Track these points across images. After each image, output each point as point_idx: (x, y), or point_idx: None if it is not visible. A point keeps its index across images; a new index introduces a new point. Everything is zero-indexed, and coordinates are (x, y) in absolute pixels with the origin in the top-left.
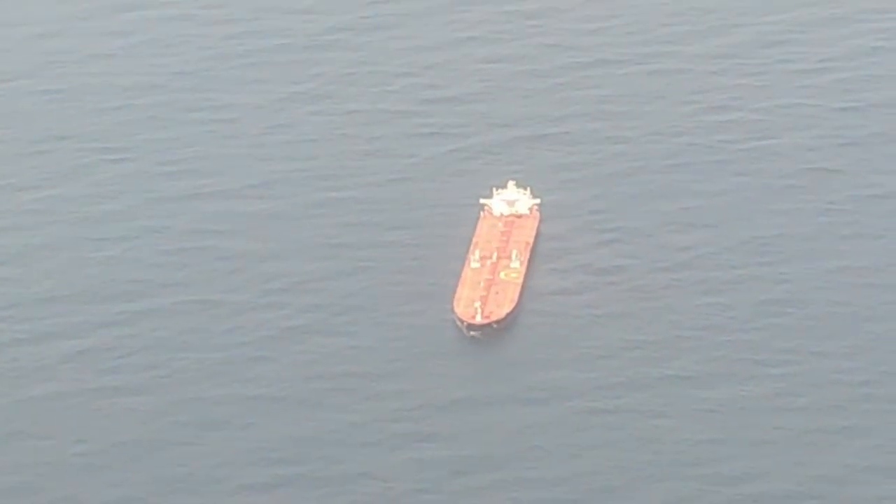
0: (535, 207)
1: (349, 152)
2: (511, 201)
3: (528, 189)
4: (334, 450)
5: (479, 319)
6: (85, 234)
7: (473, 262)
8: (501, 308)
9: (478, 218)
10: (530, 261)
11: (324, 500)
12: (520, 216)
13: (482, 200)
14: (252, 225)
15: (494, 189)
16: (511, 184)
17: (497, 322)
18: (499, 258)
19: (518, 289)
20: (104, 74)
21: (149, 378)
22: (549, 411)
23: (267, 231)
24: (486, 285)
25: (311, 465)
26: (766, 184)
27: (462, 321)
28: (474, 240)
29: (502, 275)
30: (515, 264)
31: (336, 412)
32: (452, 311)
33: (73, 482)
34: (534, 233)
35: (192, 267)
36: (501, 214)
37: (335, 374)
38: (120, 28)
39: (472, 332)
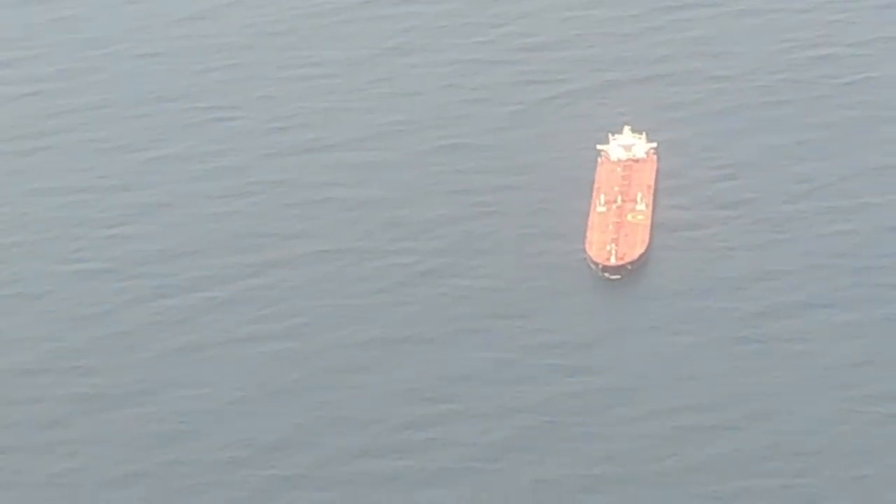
0: (652, 151)
1: (453, 102)
2: (628, 146)
3: (644, 133)
4: (486, 387)
5: (613, 261)
6: (205, 191)
7: (599, 206)
8: (634, 249)
9: (596, 163)
10: (654, 202)
11: (484, 435)
12: (637, 160)
13: (599, 146)
14: (370, 175)
15: (610, 134)
16: (626, 129)
17: (631, 263)
18: (624, 201)
19: (647, 230)
20: (196, 37)
21: (291, 325)
22: (693, 341)
23: (385, 180)
24: (616, 228)
25: (466, 402)
26: (871, 115)
27: (597, 263)
28: (596, 185)
29: (629, 217)
30: (641, 206)
31: (483, 351)
32: (586, 254)
33: (236, 426)
34: (653, 175)
35: (316, 218)
36: (619, 159)
37: (476, 315)
38: None
39: (607, 274)
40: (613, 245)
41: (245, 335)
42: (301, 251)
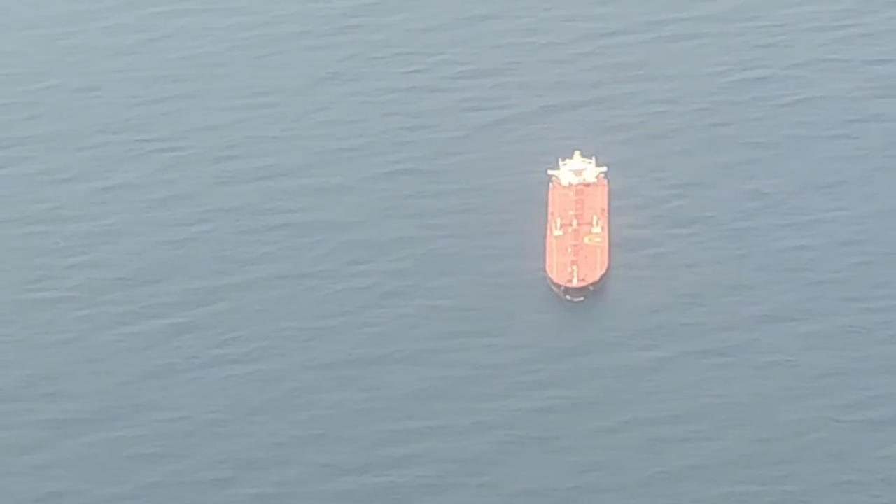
0: (602, 175)
1: (397, 128)
2: (578, 171)
3: (593, 158)
4: (459, 403)
5: (575, 283)
6: (159, 219)
7: (556, 230)
8: (594, 271)
9: (547, 188)
10: (609, 225)
11: (463, 450)
12: (588, 184)
13: (550, 171)
14: (321, 200)
15: (560, 159)
16: (576, 154)
17: (593, 284)
18: (579, 225)
19: (605, 252)
20: (128, 70)
21: (258, 348)
22: (660, 355)
23: (337, 205)
24: (574, 251)
25: (440, 418)
26: (813, 134)
27: (559, 286)
28: (550, 209)
29: (586, 240)
30: (597, 229)
31: (452, 369)
32: (547, 277)
33: (215, 447)
34: (606, 199)
35: (273, 243)
36: (570, 184)
37: (442, 335)
38: (131, 23)
39: (569, 297)
40: (574, 267)
41: (213, 358)
42: (260, 275)
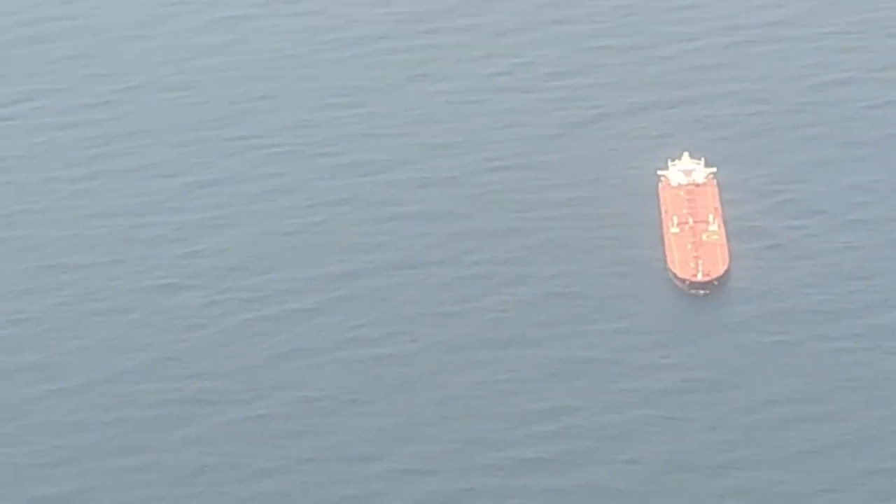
0: (711, 176)
1: (490, 127)
2: (688, 171)
3: (703, 159)
4: (591, 384)
5: (700, 277)
6: (265, 210)
7: (672, 227)
8: (717, 266)
9: (656, 188)
10: (723, 223)
11: (602, 429)
12: (698, 185)
13: (659, 171)
14: (427, 193)
15: (669, 160)
16: (686, 154)
17: (717, 279)
18: (696, 223)
19: (725, 248)
20: (213, 70)
21: (387, 332)
22: (786, 339)
23: (444, 197)
24: (694, 247)
25: (574, 399)
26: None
27: (684, 280)
28: (663, 208)
29: (704, 237)
30: (714, 227)
31: (580, 352)
32: (670, 272)
33: (356, 423)
34: (717, 198)
35: (385, 234)
36: (680, 184)
37: (567, 320)
38: (210, 26)
39: (694, 290)
40: (700, 262)
41: (343, 341)
42: (378, 264)
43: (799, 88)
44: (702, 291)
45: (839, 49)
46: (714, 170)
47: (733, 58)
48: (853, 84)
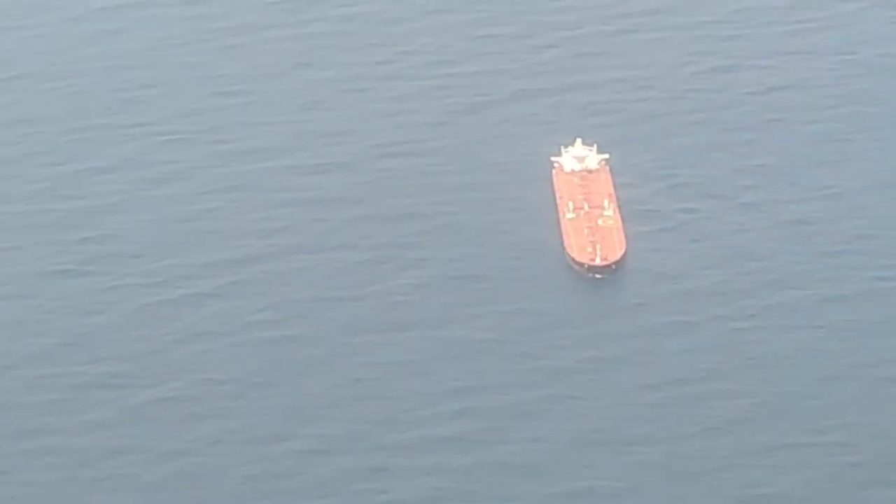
0: (604, 162)
1: (380, 114)
2: (581, 157)
3: (595, 146)
4: (493, 364)
5: (598, 261)
6: (158, 197)
7: (568, 213)
8: (615, 250)
9: (550, 174)
10: (618, 208)
11: (506, 409)
12: (591, 171)
13: (552, 158)
14: (320, 179)
15: (563, 147)
16: (578, 141)
17: (615, 263)
18: (591, 208)
19: (621, 233)
20: (94, 59)
21: (288, 315)
22: (686, 319)
23: (338, 183)
24: (591, 232)
25: (477, 379)
26: (784, 117)
27: (582, 264)
28: (557, 193)
29: (600, 222)
30: (609, 212)
31: (481, 333)
32: (568, 256)
33: (263, 405)
34: (611, 184)
35: (281, 219)
36: (573, 170)
37: (467, 302)
38: (87, 15)
39: (593, 274)
40: (597, 246)
41: (244, 325)
42: (275, 249)
43: (682, 75)
44: (599, 275)
45: (720, 37)
46: (607, 156)
47: (615, 46)
48: (735, 71)
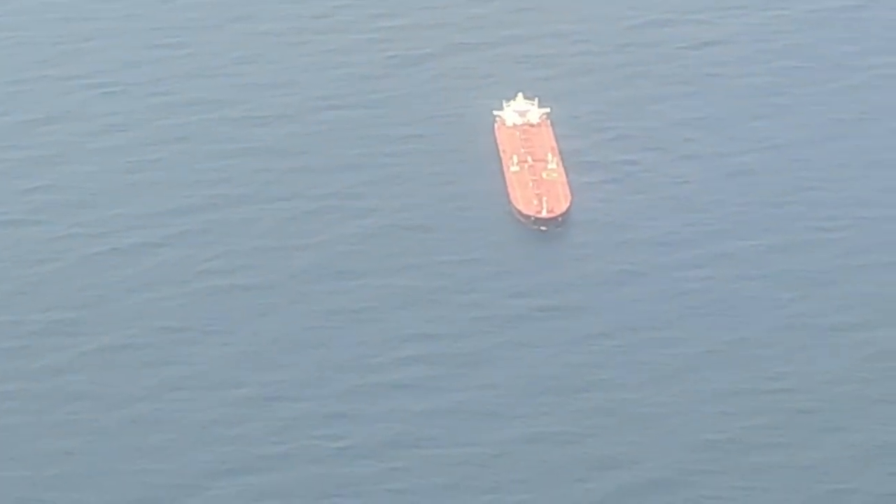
0: (545, 116)
1: (319, 66)
2: (522, 112)
3: (536, 100)
4: (442, 311)
5: (545, 214)
6: (101, 148)
7: (512, 166)
8: (560, 203)
9: (492, 127)
10: (562, 161)
11: (457, 356)
12: (533, 125)
13: (494, 112)
14: (261, 130)
15: (504, 101)
16: (520, 95)
17: (561, 215)
18: (534, 161)
19: (566, 186)
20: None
21: (239, 264)
22: (631, 268)
23: (279, 134)
24: (536, 185)
25: (427, 326)
26: (719, 72)
27: (528, 217)
28: (500, 147)
29: (544, 175)
30: (553, 165)
31: (428, 281)
32: (514, 208)
33: (219, 351)
34: (553, 138)
35: (224, 170)
36: (515, 124)
37: (412, 251)
38: None
39: (538, 226)
40: (544, 198)
41: (197, 273)
42: (219, 199)
43: (618, 30)
44: (544, 228)
45: None
46: (548, 110)
47: (550, 1)
48: (670, 26)
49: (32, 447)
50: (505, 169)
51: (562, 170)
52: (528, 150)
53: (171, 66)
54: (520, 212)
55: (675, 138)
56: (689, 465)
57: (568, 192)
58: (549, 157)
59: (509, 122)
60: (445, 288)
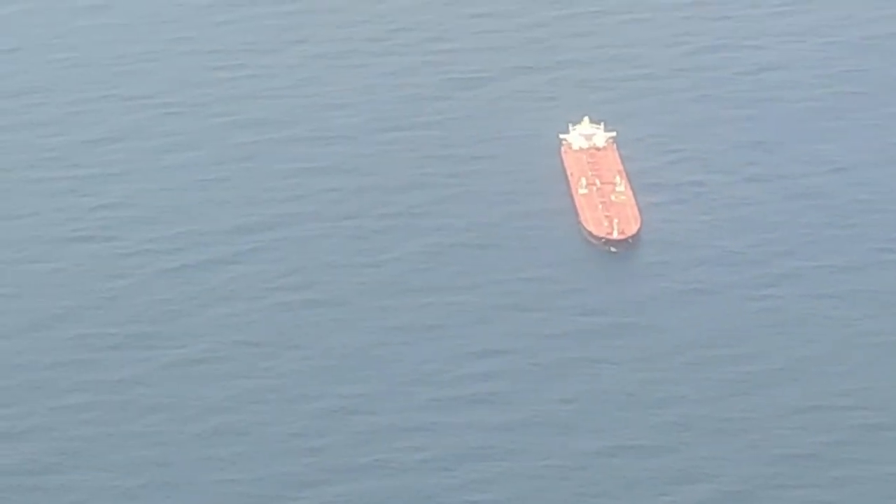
0: (611, 140)
1: (389, 98)
2: (589, 135)
3: (602, 124)
4: (520, 326)
5: (616, 235)
6: (166, 165)
7: (581, 188)
8: (631, 224)
9: (558, 150)
10: (630, 184)
11: (522, 362)
12: (599, 149)
13: (561, 135)
14: (327, 150)
15: (570, 124)
16: (586, 119)
17: (631, 237)
18: (603, 184)
19: (635, 208)
20: (86, 31)
21: (309, 280)
22: (704, 287)
23: (344, 154)
24: (605, 207)
25: (490, 342)
26: (778, 95)
27: (599, 238)
28: (568, 169)
29: (613, 197)
30: (621, 188)
31: (501, 298)
32: (584, 229)
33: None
34: (619, 162)
35: (292, 188)
36: (581, 148)
37: (481, 269)
38: None
39: (609, 248)
40: (614, 220)
41: (267, 289)
42: (288, 218)
43: (672, 55)
44: (614, 249)
45: (707, 18)
46: (614, 133)
47: (604, 26)
48: (724, 51)
49: (115, 458)
50: (573, 191)
51: (630, 192)
52: (596, 173)
53: (231, 87)
54: (590, 233)
55: (738, 160)
56: (767, 480)
57: (637, 213)
58: (617, 179)
59: (575, 146)
60: (517, 305)
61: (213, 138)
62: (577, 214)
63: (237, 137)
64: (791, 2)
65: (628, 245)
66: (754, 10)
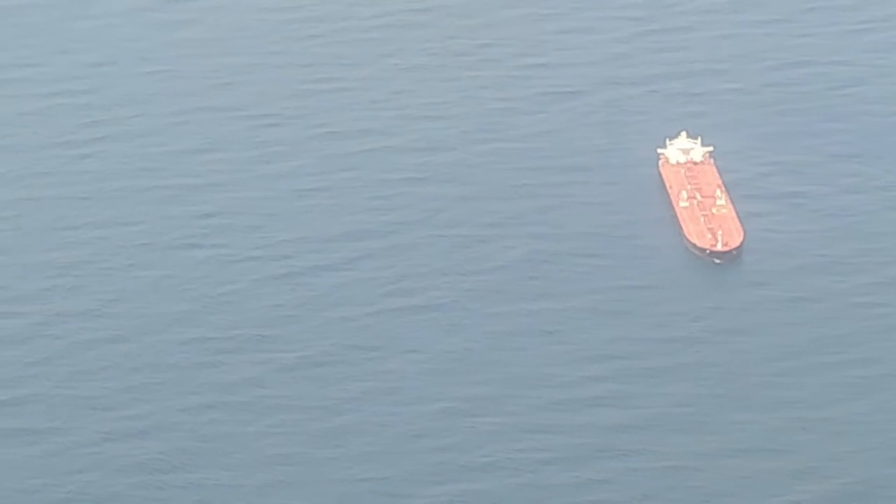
0: (708, 154)
1: (486, 112)
2: (686, 150)
3: (699, 139)
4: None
5: (720, 247)
6: (269, 173)
7: (681, 202)
8: (734, 236)
9: (656, 163)
10: (729, 197)
11: (635, 365)
12: (696, 163)
13: (658, 150)
14: (430, 165)
15: (667, 139)
16: (683, 134)
17: (735, 249)
18: (703, 197)
19: (736, 220)
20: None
21: (424, 285)
22: (807, 295)
23: (447, 170)
24: (707, 220)
25: (603, 346)
26: (871, 109)
27: (704, 250)
28: (666, 183)
29: (714, 210)
30: (721, 201)
31: (609, 304)
32: (688, 242)
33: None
34: (717, 175)
35: (399, 208)
36: (678, 162)
37: (597, 277)
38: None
39: (714, 259)
40: (718, 232)
41: (377, 295)
42: (394, 225)
43: (758, 69)
44: (718, 260)
45: (789, 35)
46: (711, 148)
47: (686, 42)
48: (809, 67)
49: (240, 457)
50: (674, 203)
51: (730, 205)
52: (696, 187)
53: (326, 99)
54: (694, 245)
55: (833, 171)
56: (888, 479)
57: (740, 226)
58: (718, 193)
59: (673, 160)
60: (626, 312)
61: (312, 149)
62: (679, 226)
63: (335, 148)
64: (869, 20)
65: (732, 256)
66: (833, 27)
